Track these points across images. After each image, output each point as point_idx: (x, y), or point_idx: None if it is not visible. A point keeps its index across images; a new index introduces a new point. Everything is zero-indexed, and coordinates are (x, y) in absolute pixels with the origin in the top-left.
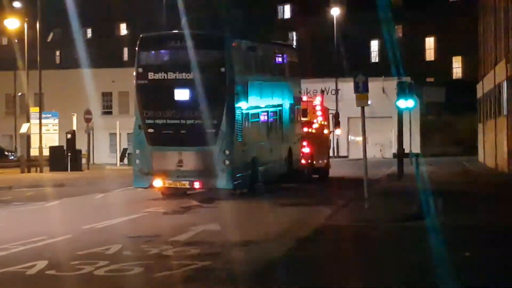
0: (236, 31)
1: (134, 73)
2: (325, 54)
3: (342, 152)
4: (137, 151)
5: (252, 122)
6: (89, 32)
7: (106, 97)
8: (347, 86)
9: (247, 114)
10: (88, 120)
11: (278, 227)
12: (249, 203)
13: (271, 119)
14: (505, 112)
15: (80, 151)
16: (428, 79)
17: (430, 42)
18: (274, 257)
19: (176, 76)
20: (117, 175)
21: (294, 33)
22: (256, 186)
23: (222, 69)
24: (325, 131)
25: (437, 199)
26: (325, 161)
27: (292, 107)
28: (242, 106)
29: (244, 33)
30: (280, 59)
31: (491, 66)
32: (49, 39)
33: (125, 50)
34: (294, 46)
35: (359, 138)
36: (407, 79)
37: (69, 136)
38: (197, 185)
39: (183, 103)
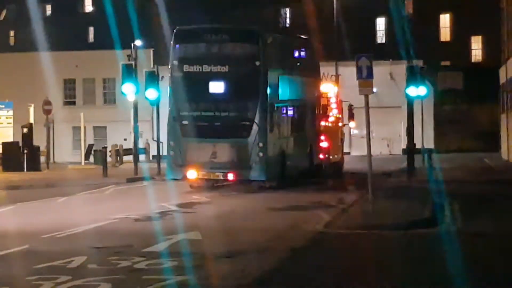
0: (219, 7)
1: (169, 66)
2: (324, 33)
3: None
4: (171, 143)
5: (281, 116)
6: (48, 9)
7: (69, 84)
8: (348, 71)
9: (278, 108)
10: (47, 112)
11: (270, 234)
12: (236, 206)
13: (296, 114)
14: None
15: (38, 147)
16: (443, 63)
17: (445, 19)
18: (263, 270)
19: (211, 69)
20: (82, 175)
21: (287, 9)
22: (283, 180)
23: (257, 63)
24: (340, 124)
25: (453, 202)
26: (340, 155)
27: (313, 102)
28: (274, 100)
29: (228, 12)
30: (303, 53)
31: None
32: (1, 17)
33: (91, 29)
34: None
35: (364, 132)
36: (419, 62)
37: (25, 130)
38: (230, 176)
39: (217, 96)
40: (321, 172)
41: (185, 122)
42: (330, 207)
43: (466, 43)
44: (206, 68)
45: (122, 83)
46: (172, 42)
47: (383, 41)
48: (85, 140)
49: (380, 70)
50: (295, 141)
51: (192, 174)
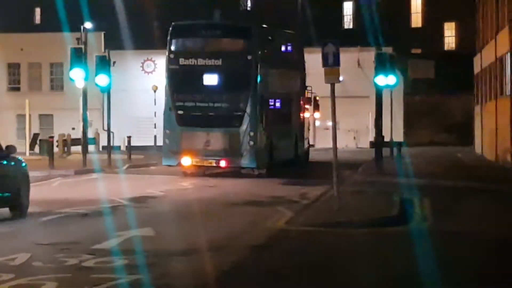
0: None
1: (166, 58)
2: (286, 17)
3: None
4: (167, 131)
5: (270, 107)
6: None
7: (13, 69)
8: (313, 58)
9: (267, 99)
10: None
11: (228, 231)
12: (193, 201)
13: (284, 105)
14: (508, 91)
15: None
16: (414, 51)
17: (416, 4)
18: (218, 269)
19: (205, 62)
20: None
21: None
22: (271, 168)
23: (249, 57)
24: (307, 115)
25: (424, 199)
26: (306, 145)
27: (298, 95)
28: (264, 92)
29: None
30: (290, 48)
31: (492, 35)
32: None
33: (37, 10)
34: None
35: (328, 123)
36: (388, 50)
37: None
38: (223, 163)
39: (211, 87)
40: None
41: (180, 112)
42: (293, 202)
43: (438, 30)
44: (200, 62)
45: (71, 68)
46: (168, 36)
47: (351, 26)
48: (30, 129)
49: (347, 57)
50: (282, 132)
51: (186, 161)
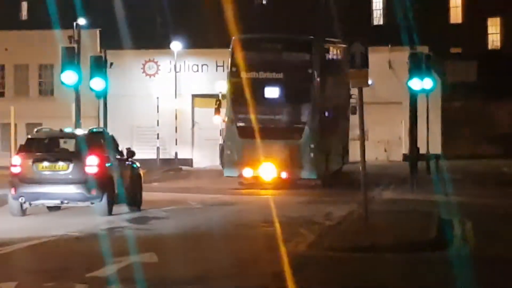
0: None
1: (227, 71)
2: (308, 13)
3: None
4: (228, 143)
5: (326, 119)
6: None
7: None
8: None
9: (324, 111)
10: None
11: (242, 256)
12: (201, 222)
13: (336, 116)
14: None
15: None
16: (453, 50)
17: None
18: None
19: (267, 76)
20: None
21: None
22: (325, 179)
23: (310, 70)
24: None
25: (464, 220)
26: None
27: (346, 105)
28: (322, 104)
29: None
30: (339, 57)
31: None
32: None
33: (24, 4)
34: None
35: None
36: (424, 49)
37: None
38: (283, 175)
39: (272, 100)
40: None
41: (241, 124)
42: (316, 223)
43: (481, 26)
44: (262, 75)
45: (62, 71)
46: (230, 50)
47: (381, 22)
48: (16, 140)
49: (377, 58)
50: (335, 142)
51: (247, 172)
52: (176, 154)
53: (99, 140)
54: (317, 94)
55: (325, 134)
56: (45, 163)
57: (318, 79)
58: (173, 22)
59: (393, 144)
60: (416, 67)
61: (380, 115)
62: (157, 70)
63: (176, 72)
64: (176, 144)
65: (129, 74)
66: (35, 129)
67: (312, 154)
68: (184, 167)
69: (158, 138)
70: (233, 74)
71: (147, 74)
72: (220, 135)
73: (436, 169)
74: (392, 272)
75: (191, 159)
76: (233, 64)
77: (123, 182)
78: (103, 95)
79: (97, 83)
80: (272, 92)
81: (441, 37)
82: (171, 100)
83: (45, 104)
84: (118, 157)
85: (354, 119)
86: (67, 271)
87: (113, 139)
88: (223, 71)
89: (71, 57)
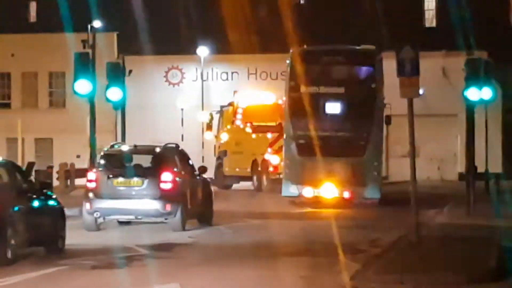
0: None
1: (286, 86)
2: (350, 14)
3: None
4: (287, 161)
5: (382, 134)
6: None
7: (1, 80)
8: (386, 66)
9: (382, 126)
10: None
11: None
12: (233, 247)
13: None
14: None
15: None
16: None
17: None
18: None
19: (327, 90)
20: None
21: None
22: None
23: (373, 85)
24: None
25: None
26: None
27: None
28: (381, 119)
29: None
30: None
31: None
32: None
33: (32, 5)
34: None
35: (405, 149)
36: (483, 54)
37: None
38: (346, 194)
39: (334, 116)
40: None
41: (301, 141)
42: (360, 251)
43: None
44: (322, 89)
45: (75, 79)
46: (288, 63)
47: (434, 24)
48: (23, 157)
49: (430, 64)
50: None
51: (308, 192)
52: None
53: (172, 155)
54: (379, 108)
55: (382, 151)
56: (120, 179)
57: (381, 94)
58: (199, 25)
59: (447, 162)
60: (474, 74)
61: (432, 129)
62: (182, 79)
63: (203, 80)
64: (202, 161)
65: (150, 82)
66: (110, 144)
67: (375, 172)
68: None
69: None
70: (292, 89)
71: (170, 83)
72: (214, 151)
73: (496, 190)
74: None
75: None
76: (292, 78)
77: (196, 198)
78: (120, 107)
79: (114, 93)
80: (333, 107)
81: (503, 41)
82: (197, 112)
83: (56, 116)
84: (191, 172)
85: (398, 133)
86: None
87: (185, 155)
88: (255, 79)
89: (85, 64)
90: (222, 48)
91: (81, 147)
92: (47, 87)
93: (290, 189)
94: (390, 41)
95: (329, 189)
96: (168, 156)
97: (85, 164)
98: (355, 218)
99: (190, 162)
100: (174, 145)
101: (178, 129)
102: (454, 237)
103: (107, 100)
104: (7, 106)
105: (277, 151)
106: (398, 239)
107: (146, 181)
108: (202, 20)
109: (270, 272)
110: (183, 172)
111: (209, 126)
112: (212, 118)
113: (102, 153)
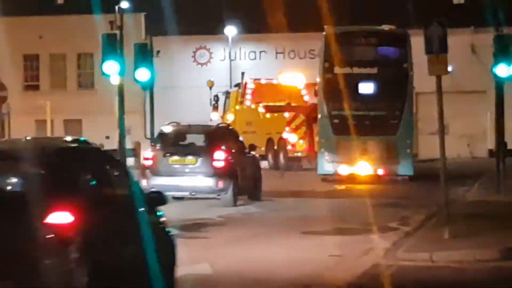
0: None
1: (320, 66)
2: None
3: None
4: (323, 140)
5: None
6: None
7: (30, 62)
8: (414, 43)
9: (413, 105)
10: (1, 100)
11: (307, 268)
12: (264, 226)
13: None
14: None
15: None
16: None
17: None
18: None
19: (361, 71)
20: None
21: None
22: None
23: (405, 65)
24: None
25: None
26: None
27: None
28: (412, 98)
29: None
30: None
31: None
32: None
33: None
34: None
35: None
36: (511, 30)
37: None
38: (380, 171)
39: (367, 96)
40: None
41: (336, 120)
42: (390, 229)
43: None
44: (356, 70)
45: (103, 61)
46: (322, 45)
47: (462, 1)
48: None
49: (458, 41)
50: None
51: (343, 169)
52: None
53: (224, 134)
54: (410, 88)
55: (413, 129)
56: (175, 157)
57: (411, 73)
58: (227, 4)
59: (477, 139)
60: (503, 51)
61: (461, 106)
62: (210, 59)
63: (231, 60)
64: None
65: (178, 63)
66: (166, 123)
67: (408, 150)
68: None
69: None
70: (326, 70)
71: (198, 63)
72: None
73: None
74: (479, 283)
75: None
76: (326, 59)
77: (246, 175)
78: (149, 87)
79: (142, 74)
80: (366, 87)
81: None
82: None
83: (85, 98)
84: (241, 150)
85: (427, 111)
86: None
87: (235, 133)
88: (283, 58)
89: (113, 45)
90: (250, 27)
91: (110, 128)
92: (76, 68)
93: (326, 167)
94: (418, 18)
95: (364, 167)
96: (220, 135)
97: (114, 145)
98: (386, 196)
99: (240, 139)
100: (225, 125)
101: (207, 109)
102: (484, 214)
103: (136, 81)
104: (36, 88)
105: (294, 130)
106: (429, 216)
107: (199, 159)
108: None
109: (300, 251)
110: (233, 150)
111: (215, 107)
112: (218, 99)
113: (158, 132)
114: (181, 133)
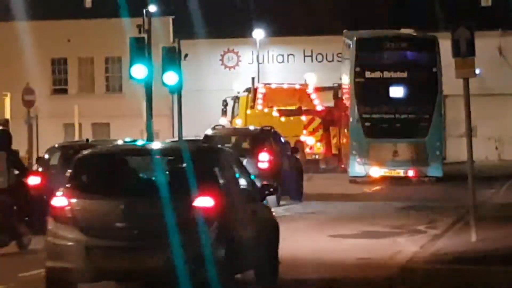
0: None
1: (351, 71)
2: None
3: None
4: (354, 143)
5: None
6: None
7: (58, 66)
8: (440, 46)
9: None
10: (29, 104)
11: (332, 271)
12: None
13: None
14: None
15: (16, 152)
16: None
17: None
18: None
19: (391, 75)
20: None
21: None
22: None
23: (434, 69)
24: None
25: None
26: None
27: None
28: (441, 101)
29: None
30: None
31: None
32: None
33: None
34: None
35: (461, 129)
36: None
37: None
38: (411, 173)
39: (397, 99)
40: None
41: (367, 123)
42: (417, 232)
43: None
44: (386, 74)
45: (131, 64)
46: (353, 50)
47: (489, 3)
48: None
49: (486, 44)
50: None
51: (375, 171)
52: None
53: (268, 137)
54: (440, 91)
55: (442, 131)
56: None
57: (440, 77)
58: (255, 7)
59: (506, 141)
60: None
61: (489, 109)
62: (238, 62)
63: (259, 63)
64: None
65: (206, 66)
66: (211, 126)
67: (438, 152)
68: None
69: None
70: (358, 74)
71: (226, 66)
72: None
73: None
74: (502, 286)
75: None
76: (357, 64)
77: (289, 176)
78: (177, 91)
79: (170, 77)
80: (397, 91)
81: None
82: None
83: (113, 101)
84: (284, 152)
85: (455, 114)
86: None
87: (279, 136)
88: (311, 61)
89: (141, 48)
90: (278, 30)
91: (138, 132)
92: (104, 72)
93: (357, 169)
94: (445, 21)
95: (394, 169)
96: (264, 138)
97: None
98: (414, 199)
99: (283, 141)
100: (269, 128)
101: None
102: None
103: (163, 84)
104: (64, 91)
105: (311, 133)
106: (456, 220)
107: (244, 161)
108: (257, 3)
109: (328, 254)
110: (277, 152)
111: (224, 112)
112: (227, 104)
113: (205, 135)
114: (226, 136)
